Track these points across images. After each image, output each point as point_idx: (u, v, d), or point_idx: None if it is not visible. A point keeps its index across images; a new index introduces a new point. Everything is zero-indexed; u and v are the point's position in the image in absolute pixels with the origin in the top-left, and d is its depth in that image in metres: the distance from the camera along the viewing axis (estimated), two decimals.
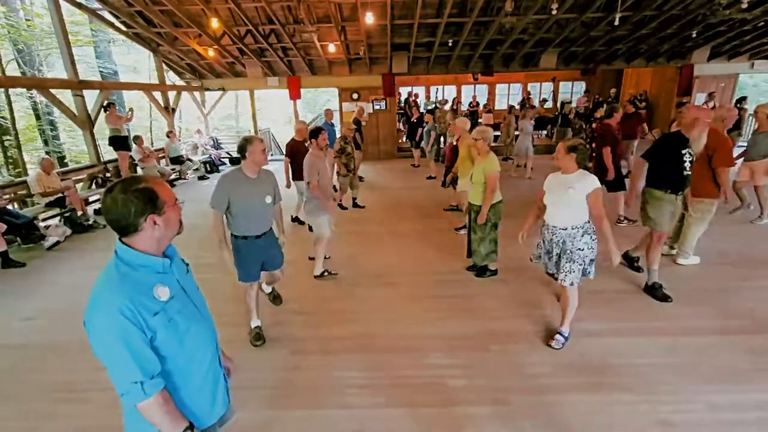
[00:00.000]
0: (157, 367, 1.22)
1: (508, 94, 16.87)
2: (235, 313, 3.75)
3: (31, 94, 14.01)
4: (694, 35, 9.52)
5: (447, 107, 12.07)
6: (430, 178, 9.15)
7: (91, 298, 1.20)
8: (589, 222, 2.90)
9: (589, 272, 2.99)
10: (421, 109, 12.42)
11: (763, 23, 8.98)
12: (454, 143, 6.06)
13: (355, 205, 7.18)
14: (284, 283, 4.39)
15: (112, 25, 9.19)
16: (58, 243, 5.70)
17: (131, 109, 9.36)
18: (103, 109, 7.99)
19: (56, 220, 6.37)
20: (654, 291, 3.80)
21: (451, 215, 6.50)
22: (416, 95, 15.09)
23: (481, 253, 4.16)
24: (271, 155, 13.62)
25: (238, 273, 3.18)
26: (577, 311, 3.57)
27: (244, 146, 2.91)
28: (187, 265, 1.48)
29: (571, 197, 2.80)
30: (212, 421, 1.43)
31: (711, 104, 10.42)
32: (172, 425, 1.25)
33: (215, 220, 2.97)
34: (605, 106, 11.52)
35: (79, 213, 6.50)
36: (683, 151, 3.51)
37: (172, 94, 11.18)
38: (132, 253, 1.24)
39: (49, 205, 6.13)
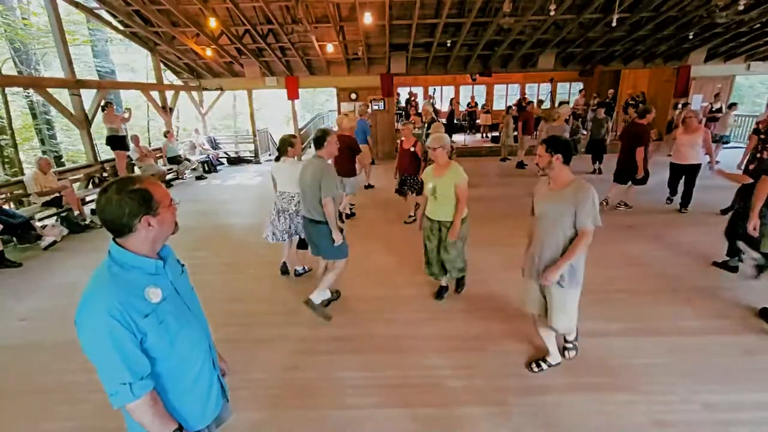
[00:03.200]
0: (146, 369, 1.22)
1: (506, 95, 16.90)
2: (232, 313, 3.75)
3: (28, 93, 13.95)
4: (691, 37, 9.57)
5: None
6: None
7: (81, 298, 1.19)
8: None
9: None
10: (419, 110, 12.42)
11: (759, 25, 9.04)
12: (413, 149, 5.81)
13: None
14: (283, 282, 4.40)
15: (109, 24, 9.15)
16: (54, 243, 5.67)
17: (128, 109, 9.33)
18: (100, 109, 7.96)
19: (53, 220, 6.34)
20: None
21: None
22: (415, 95, 15.10)
23: (457, 266, 3.68)
24: (269, 155, 13.60)
25: (346, 251, 3.56)
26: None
27: (323, 137, 3.30)
28: (183, 266, 1.48)
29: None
30: (205, 424, 1.43)
31: (717, 105, 10.46)
32: (161, 427, 1.25)
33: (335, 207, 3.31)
34: (605, 107, 11.57)
35: (76, 213, 6.48)
36: None
37: (169, 94, 11.14)
38: (125, 254, 1.24)
39: (46, 205, 6.10)
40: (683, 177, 6.15)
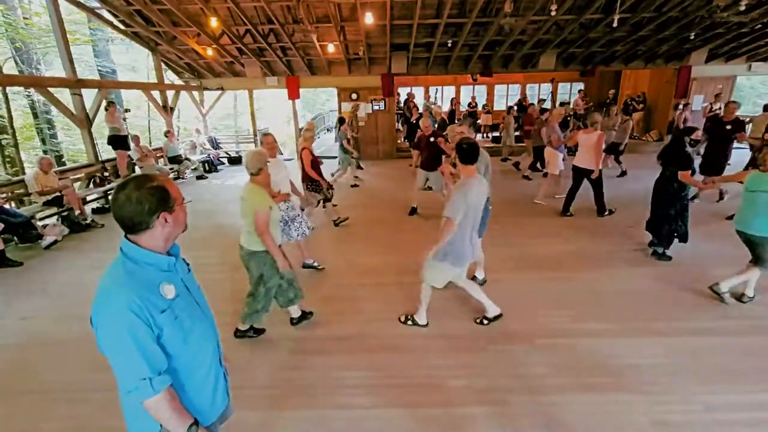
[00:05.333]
0: (164, 364, 1.23)
1: (507, 95, 16.90)
2: (236, 313, 3.75)
3: (29, 92, 13.96)
4: (692, 37, 9.55)
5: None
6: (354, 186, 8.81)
7: (98, 295, 1.20)
8: None
9: None
10: (420, 110, 12.41)
11: (760, 25, 9.03)
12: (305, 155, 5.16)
13: None
14: None
15: (110, 23, 9.16)
16: (55, 242, 5.68)
17: (127, 109, 9.36)
18: (104, 108, 8.00)
19: (54, 220, 6.35)
20: None
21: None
22: (413, 95, 15.05)
23: (245, 311, 3.22)
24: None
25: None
26: (575, 311, 3.61)
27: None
28: (188, 264, 1.49)
29: None
30: (212, 420, 1.45)
31: (717, 105, 10.41)
32: (179, 422, 1.26)
33: None
34: (604, 108, 11.54)
35: (77, 212, 6.48)
36: None
37: (170, 94, 11.15)
38: (139, 251, 1.25)
39: (47, 204, 6.11)
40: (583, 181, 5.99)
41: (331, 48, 9.68)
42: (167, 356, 1.26)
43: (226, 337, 3.34)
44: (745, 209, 3.49)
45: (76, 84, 7.27)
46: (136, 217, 1.22)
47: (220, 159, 12.12)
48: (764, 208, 3.30)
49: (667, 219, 4.54)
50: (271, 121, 22.49)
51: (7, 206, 5.67)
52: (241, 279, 4.49)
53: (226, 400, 1.53)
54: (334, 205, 6.11)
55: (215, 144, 12.45)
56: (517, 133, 11.29)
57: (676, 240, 4.63)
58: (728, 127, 6.23)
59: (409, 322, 3.47)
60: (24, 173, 8.10)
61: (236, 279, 4.51)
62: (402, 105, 14.23)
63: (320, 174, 5.33)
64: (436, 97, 16.73)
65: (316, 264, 4.62)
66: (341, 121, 8.58)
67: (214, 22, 8.21)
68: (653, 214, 4.70)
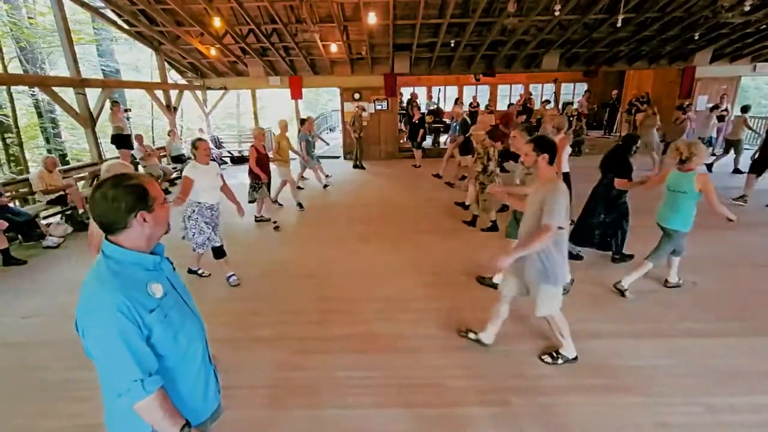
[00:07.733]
0: (154, 364, 1.22)
1: (509, 95, 16.86)
2: (233, 313, 3.76)
3: (33, 91, 14.03)
4: (696, 37, 9.50)
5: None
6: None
7: (83, 299, 1.18)
8: None
9: None
10: (422, 110, 12.41)
11: (765, 26, 8.97)
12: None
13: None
14: (284, 282, 4.41)
15: (114, 23, 9.20)
16: (58, 246, 5.69)
17: (128, 109, 9.44)
18: (109, 107, 8.05)
19: (57, 218, 6.38)
20: None
21: (454, 216, 6.50)
22: (416, 95, 15.04)
23: None
24: (271, 154, 13.61)
25: None
26: (577, 312, 3.59)
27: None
28: (172, 263, 1.48)
29: None
30: (204, 418, 1.44)
31: (723, 106, 10.31)
32: (171, 422, 1.24)
33: None
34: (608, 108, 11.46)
35: (80, 211, 6.51)
36: None
37: (173, 93, 11.18)
38: (122, 252, 1.23)
39: (51, 203, 6.14)
40: None
41: (333, 48, 9.70)
42: (158, 357, 1.25)
43: (225, 337, 3.35)
44: (664, 206, 3.76)
45: (80, 83, 7.31)
46: (111, 215, 1.19)
47: (223, 158, 12.16)
48: (680, 206, 3.60)
49: (600, 226, 4.43)
50: (272, 121, 22.50)
51: (11, 205, 5.70)
52: (239, 278, 4.51)
53: (217, 398, 1.52)
54: (275, 202, 7.33)
55: (218, 143, 12.49)
56: None
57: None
58: None
59: (560, 361, 2.95)
60: (28, 172, 8.14)
61: (223, 278, 4.52)
62: (405, 105, 14.23)
63: (266, 172, 6.27)
64: (438, 98, 16.72)
65: (201, 271, 4.55)
66: (302, 121, 8.39)
67: (217, 22, 8.23)
68: (584, 222, 4.53)
